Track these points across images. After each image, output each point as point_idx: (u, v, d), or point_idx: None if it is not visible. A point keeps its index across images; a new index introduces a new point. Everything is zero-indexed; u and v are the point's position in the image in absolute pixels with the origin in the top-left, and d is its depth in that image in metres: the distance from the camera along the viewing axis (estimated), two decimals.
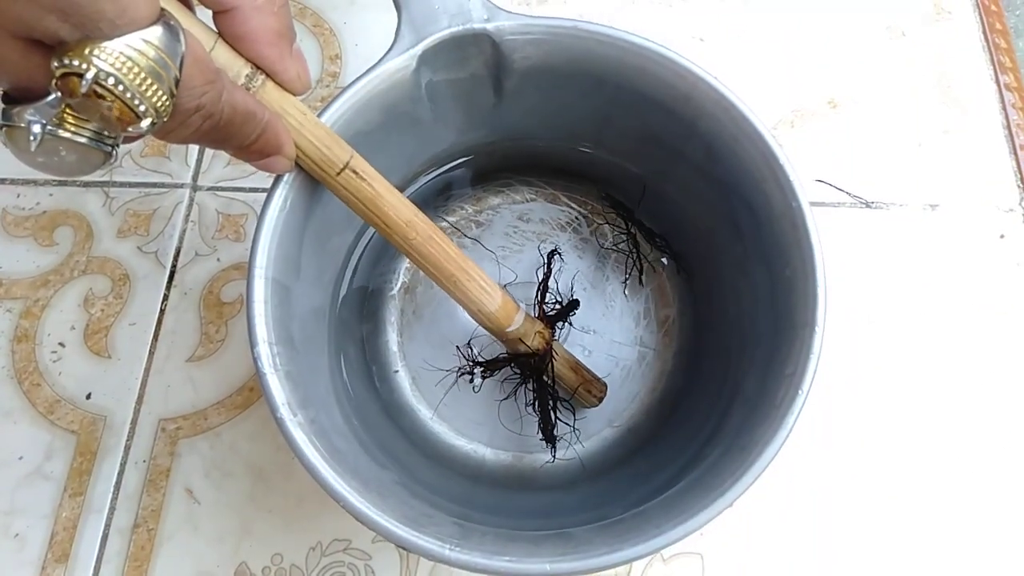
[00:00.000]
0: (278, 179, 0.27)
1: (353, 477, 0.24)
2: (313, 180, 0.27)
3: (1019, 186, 0.43)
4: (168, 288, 0.40)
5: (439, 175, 0.37)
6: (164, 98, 0.19)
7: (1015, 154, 0.43)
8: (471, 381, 0.36)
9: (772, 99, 0.45)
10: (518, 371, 0.34)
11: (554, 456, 0.34)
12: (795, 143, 0.44)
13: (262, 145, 0.24)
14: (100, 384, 0.38)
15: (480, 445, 0.35)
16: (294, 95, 0.25)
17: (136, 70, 0.18)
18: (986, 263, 0.41)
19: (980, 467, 0.37)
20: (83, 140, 0.19)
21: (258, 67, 0.23)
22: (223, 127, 0.21)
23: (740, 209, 0.31)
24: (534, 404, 0.34)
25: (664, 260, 0.38)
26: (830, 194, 0.42)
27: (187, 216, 0.42)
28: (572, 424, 0.35)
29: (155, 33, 0.18)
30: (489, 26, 0.29)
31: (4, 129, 0.19)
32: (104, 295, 0.40)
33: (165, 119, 0.19)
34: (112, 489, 0.36)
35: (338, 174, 0.26)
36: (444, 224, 0.38)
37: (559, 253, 0.37)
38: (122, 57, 0.17)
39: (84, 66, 0.17)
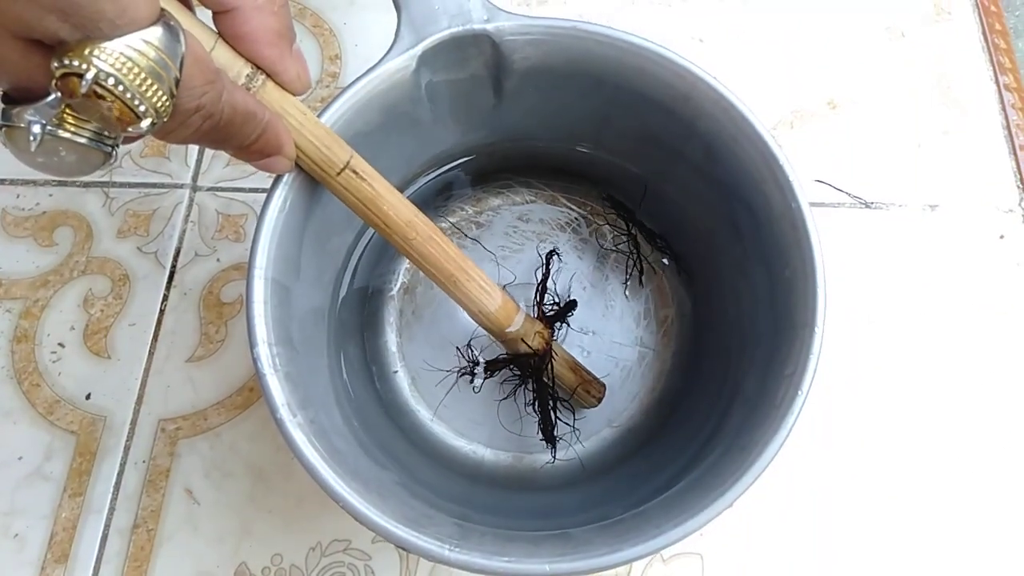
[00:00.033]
0: (278, 179, 0.27)
1: (353, 478, 0.24)
2: (313, 180, 0.27)
3: (1019, 187, 0.43)
4: (168, 288, 0.40)
5: (439, 176, 0.37)
6: (164, 98, 0.19)
7: (1015, 154, 0.43)
8: (471, 382, 0.36)
9: (772, 100, 0.45)
10: (517, 372, 0.34)
11: (554, 456, 0.34)
12: (795, 144, 0.44)
13: (262, 145, 0.24)
14: (100, 384, 0.38)
15: (480, 445, 0.35)
16: (294, 95, 0.25)
17: (136, 70, 0.18)
18: (986, 263, 0.41)
19: (980, 467, 0.37)
20: (83, 140, 0.19)
21: (258, 67, 0.23)
22: (223, 127, 0.21)
23: (740, 210, 0.31)
24: (534, 404, 0.34)
25: (665, 261, 0.38)
26: (830, 195, 0.43)
27: (187, 216, 0.42)
28: (572, 424, 0.35)
29: (155, 33, 0.18)
30: (489, 27, 0.29)
31: (4, 129, 0.19)
32: (104, 295, 0.40)
33: (165, 119, 0.19)
34: (112, 489, 0.36)
35: (338, 174, 0.26)
36: (444, 225, 0.38)
37: (558, 254, 0.37)
38: (122, 57, 0.17)
39: (84, 66, 0.17)
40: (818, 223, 0.27)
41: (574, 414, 0.35)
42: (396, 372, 0.36)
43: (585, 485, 0.34)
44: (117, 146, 0.20)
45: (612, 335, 0.37)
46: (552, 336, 0.33)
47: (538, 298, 0.35)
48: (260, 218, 0.26)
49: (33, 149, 0.18)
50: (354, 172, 0.26)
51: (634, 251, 0.38)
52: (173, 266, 0.40)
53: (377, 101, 0.29)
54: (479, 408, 0.36)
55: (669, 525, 0.24)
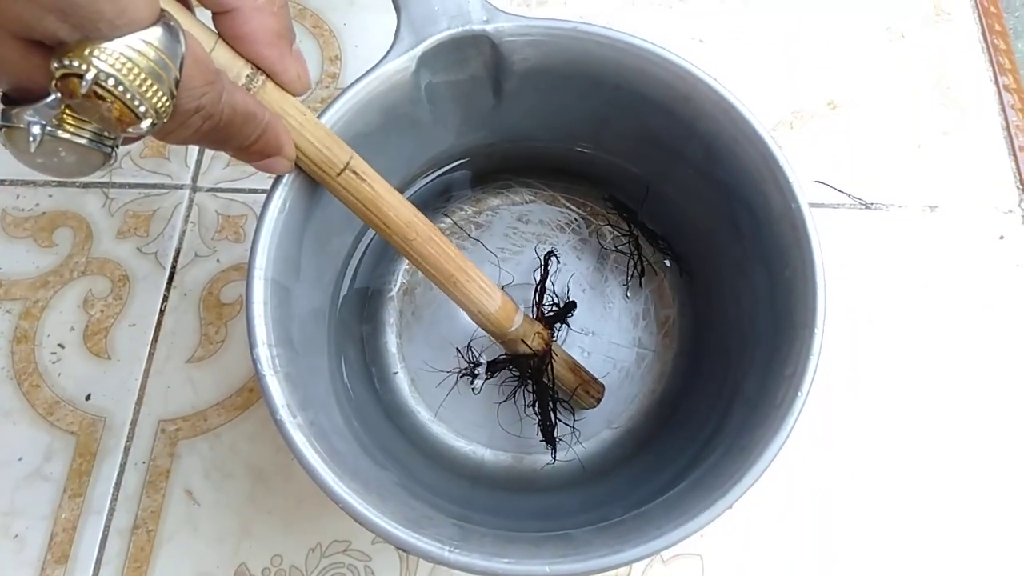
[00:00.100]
0: (278, 180, 0.27)
1: (353, 479, 0.24)
2: (313, 181, 0.27)
3: (1018, 187, 0.43)
4: (168, 289, 0.40)
5: (438, 176, 0.37)
6: (164, 99, 0.19)
7: (1014, 155, 0.43)
8: (471, 383, 0.36)
9: (772, 100, 0.45)
10: (517, 372, 0.34)
11: (554, 457, 0.34)
12: (794, 144, 0.44)
13: (262, 146, 0.24)
14: (100, 385, 0.38)
15: (480, 446, 0.35)
16: (294, 96, 0.25)
17: (136, 71, 0.18)
18: (986, 264, 0.41)
19: (980, 467, 0.37)
20: (83, 141, 0.19)
21: (258, 68, 0.23)
22: (223, 128, 0.21)
23: (740, 210, 0.31)
24: (534, 405, 0.34)
25: (667, 262, 0.38)
26: (830, 195, 0.43)
27: (187, 217, 0.42)
28: (572, 425, 0.35)
29: (155, 34, 0.18)
30: (488, 28, 0.29)
31: (4, 130, 0.18)
32: (104, 296, 0.40)
33: (165, 120, 0.19)
34: (112, 490, 0.36)
35: (338, 175, 0.26)
36: (443, 225, 0.38)
37: (556, 255, 0.37)
38: (122, 58, 0.17)
39: (84, 67, 0.17)
40: (818, 224, 0.27)
41: (574, 415, 0.35)
42: (396, 373, 0.36)
43: (585, 486, 0.34)
44: (117, 147, 0.20)
45: (611, 336, 0.37)
46: (552, 337, 0.33)
47: (537, 299, 0.35)
48: (260, 219, 0.26)
49: (33, 150, 0.18)
50: (354, 173, 0.26)
51: (636, 252, 0.38)
52: (173, 267, 0.40)
53: (377, 102, 0.29)
54: (479, 409, 0.36)
55: (670, 526, 0.24)
